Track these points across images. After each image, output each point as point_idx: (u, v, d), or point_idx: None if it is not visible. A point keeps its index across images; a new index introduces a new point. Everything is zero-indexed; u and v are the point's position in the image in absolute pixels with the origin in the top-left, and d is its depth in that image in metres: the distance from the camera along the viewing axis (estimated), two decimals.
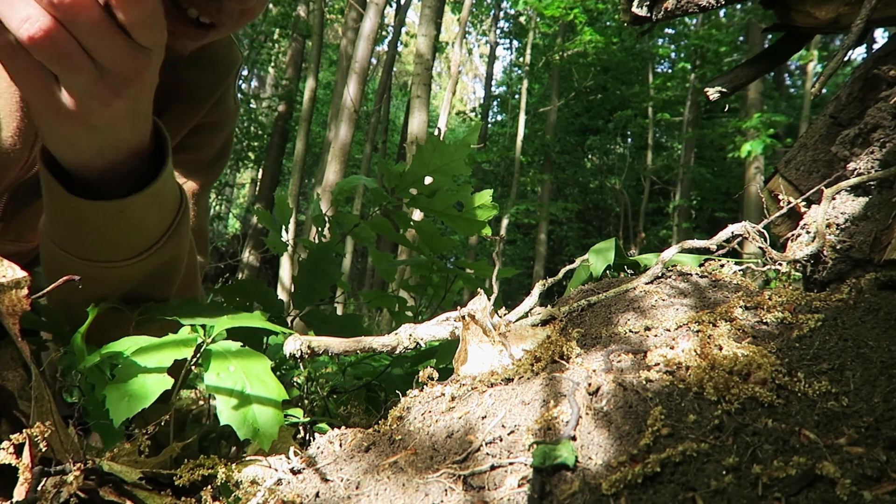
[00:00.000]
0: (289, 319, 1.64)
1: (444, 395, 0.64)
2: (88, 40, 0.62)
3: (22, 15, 0.59)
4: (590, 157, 20.20)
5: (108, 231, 0.81)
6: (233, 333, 0.83)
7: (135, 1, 0.60)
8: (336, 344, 0.71)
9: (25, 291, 0.61)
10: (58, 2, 0.59)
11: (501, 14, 19.69)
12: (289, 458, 0.60)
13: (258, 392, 0.68)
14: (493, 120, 23.23)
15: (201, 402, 1.05)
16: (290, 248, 2.17)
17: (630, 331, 0.70)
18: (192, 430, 0.97)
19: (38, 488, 0.56)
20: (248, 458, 0.69)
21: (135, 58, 0.66)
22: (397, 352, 0.75)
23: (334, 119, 8.98)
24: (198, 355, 0.73)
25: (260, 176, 14.12)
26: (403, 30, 16.18)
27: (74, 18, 0.61)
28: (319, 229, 1.98)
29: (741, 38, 13.76)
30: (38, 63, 0.64)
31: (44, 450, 0.57)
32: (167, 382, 0.67)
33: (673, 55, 17.23)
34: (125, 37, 0.64)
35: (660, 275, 0.84)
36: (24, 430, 0.56)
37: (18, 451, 0.56)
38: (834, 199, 0.86)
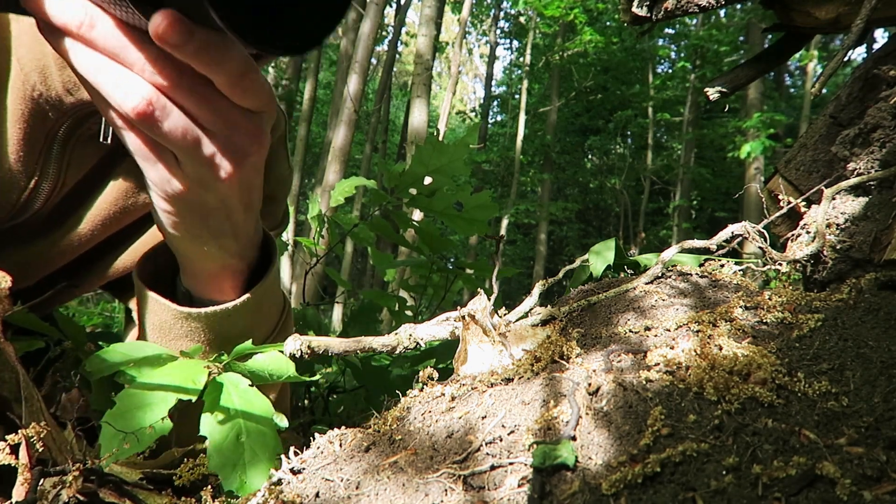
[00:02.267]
0: None
1: (444, 395, 0.64)
2: (194, 107, 0.62)
3: (126, 89, 0.59)
4: (590, 157, 20.20)
5: (212, 340, 0.82)
6: None
7: (216, 63, 0.59)
8: (336, 344, 0.71)
9: (6, 291, 0.61)
10: (159, 71, 0.59)
11: (501, 14, 19.69)
12: (289, 459, 0.60)
13: (254, 443, 0.67)
14: (493, 120, 23.22)
15: None
16: (289, 248, 2.17)
17: (630, 331, 0.70)
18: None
19: (37, 489, 0.56)
20: None
21: (245, 123, 0.65)
22: (397, 352, 0.75)
23: (334, 119, 8.98)
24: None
25: None
26: (403, 30, 16.18)
27: (176, 86, 0.60)
28: (318, 229, 1.98)
29: (741, 38, 13.77)
30: (155, 142, 0.64)
31: (40, 450, 0.57)
32: (166, 427, 0.65)
33: (673, 55, 17.23)
34: (229, 101, 0.64)
35: (660, 275, 0.84)
36: (19, 431, 0.56)
37: (15, 453, 0.56)
38: (834, 199, 0.86)
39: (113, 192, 0.98)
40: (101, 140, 0.85)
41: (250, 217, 0.77)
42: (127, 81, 0.59)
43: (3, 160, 0.86)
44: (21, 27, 0.82)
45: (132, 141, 0.64)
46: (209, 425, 0.67)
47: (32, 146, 0.87)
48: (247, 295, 0.82)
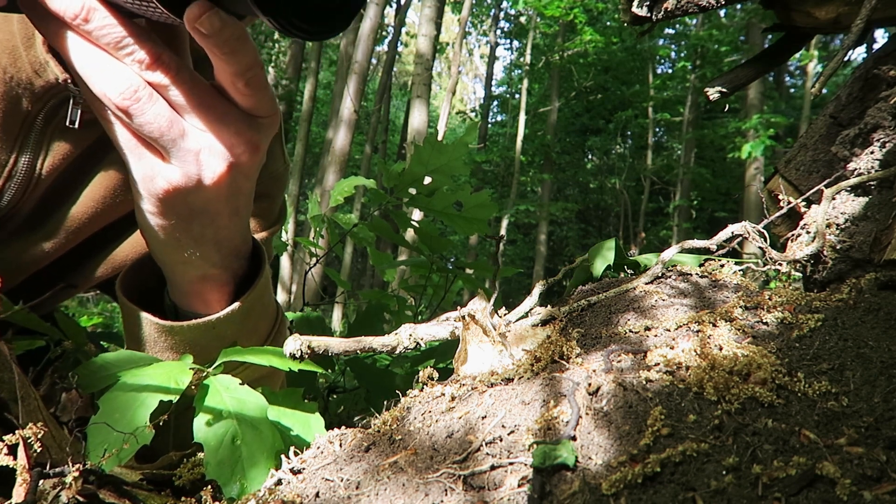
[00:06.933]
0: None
1: (444, 395, 0.64)
2: (184, 100, 0.61)
3: (111, 78, 0.59)
4: (590, 157, 20.20)
5: (198, 352, 0.79)
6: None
7: (237, 52, 0.58)
8: (336, 344, 0.71)
9: None
10: (143, 61, 0.59)
11: (501, 14, 19.68)
12: (289, 459, 0.60)
13: (251, 444, 0.66)
14: (493, 120, 23.22)
15: None
16: (289, 248, 2.17)
17: (630, 331, 0.70)
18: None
19: (37, 490, 0.56)
20: None
21: (239, 124, 0.64)
22: (397, 352, 0.75)
23: (334, 119, 8.98)
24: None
25: None
26: (403, 30, 16.18)
27: (169, 79, 0.60)
28: (318, 229, 1.98)
29: (741, 38, 13.76)
30: (142, 138, 0.63)
31: (38, 450, 0.56)
32: (147, 437, 0.64)
33: (673, 55, 17.24)
34: (225, 101, 0.63)
35: (660, 275, 0.84)
36: (16, 431, 0.56)
37: (13, 454, 0.56)
38: (834, 199, 0.86)
39: (100, 187, 0.95)
40: (67, 124, 0.82)
41: (236, 224, 0.74)
42: (113, 71, 0.59)
43: None
44: None
45: (118, 133, 0.63)
46: (203, 431, 0.66)
47: (7, 132, 0.84)
48: (230, 307, 0.79)
